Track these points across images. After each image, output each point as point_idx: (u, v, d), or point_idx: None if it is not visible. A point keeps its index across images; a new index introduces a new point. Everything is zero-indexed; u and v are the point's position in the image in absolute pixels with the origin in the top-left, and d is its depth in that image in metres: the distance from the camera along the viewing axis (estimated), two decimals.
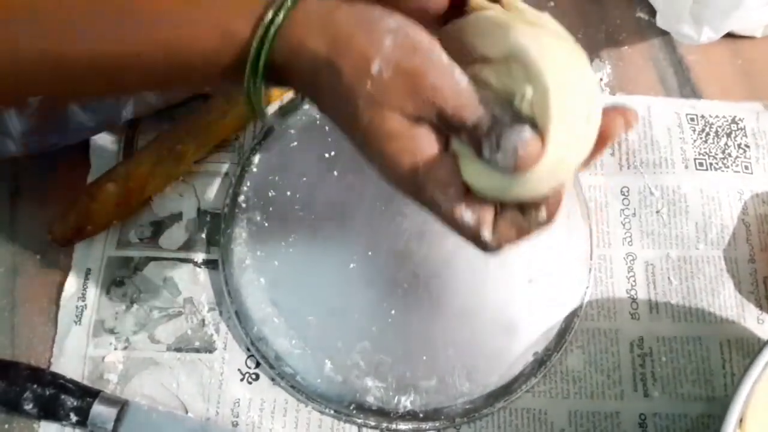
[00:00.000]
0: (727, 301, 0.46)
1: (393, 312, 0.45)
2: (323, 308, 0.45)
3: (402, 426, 0.43)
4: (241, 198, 0.48)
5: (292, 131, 0.50)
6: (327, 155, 0.49)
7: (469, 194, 0.29)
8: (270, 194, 0.48)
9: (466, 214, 0.29)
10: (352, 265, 0.46)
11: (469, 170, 0.29)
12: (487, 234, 0.29)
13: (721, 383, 0.44)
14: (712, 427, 0.43)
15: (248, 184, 0.49)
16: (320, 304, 0.45)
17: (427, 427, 0.43)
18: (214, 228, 0.49)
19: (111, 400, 0.43)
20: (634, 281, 0.47)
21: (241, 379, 0.45)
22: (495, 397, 0.44)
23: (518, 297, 0.45)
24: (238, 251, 0.47)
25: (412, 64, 0.28)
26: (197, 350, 0.45)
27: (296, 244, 0.47)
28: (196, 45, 0.29)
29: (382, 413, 0.43)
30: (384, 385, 0.43)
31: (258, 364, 0.45)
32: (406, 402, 0.43)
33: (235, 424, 0.44)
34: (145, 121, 0.52)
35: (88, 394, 0.43)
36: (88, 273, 0.47)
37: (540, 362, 0.44)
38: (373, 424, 0.43)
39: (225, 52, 0.29)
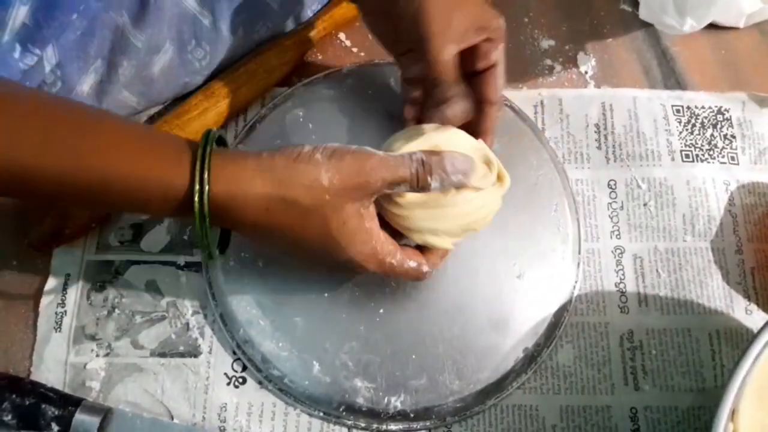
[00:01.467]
0: (716, 293, 0.46)
1: (381, 311, 0.44)
2: (310, 309, 0.44)
3: (393, 426, 0.43)
4: None
5: (276, 128, 0.49)
6: None
7: (405, 249, 0.40)
8: None
9: (409, 263, 0.39)
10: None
11: (405, 218, 0.39)
12: (426, 269, 0.40)
13: (711, 374, 0.44)
14: (703, 419, 0.43)
15: None
16: (306, 304, 0.44)
17: (418, 427, 0.43)
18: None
19: (94, 408, 0.42)
20: (623, 274, 0.47)
21: (228, 383, 0.44)
22: (486, 394, 0.43)
23: (507, 293, 0.45)
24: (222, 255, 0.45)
25: (350, 165, 0.36)
26: (182, 355, 0.44)
27: None
28: (145, 198, 0.35)
29: (373, 414, 0.42)
30: (373, 385, 0.43)
31: (245, 368, 0.44)
32: (396, 402, 0.42)
33: (222, 429, 0.43)
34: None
35: (69, 403, 0.41)
36: (67, 278, 0.46)
37: (530, 358, 0.44)
38: (363, 425, 0.43)
39: (172, 203, 0.35)
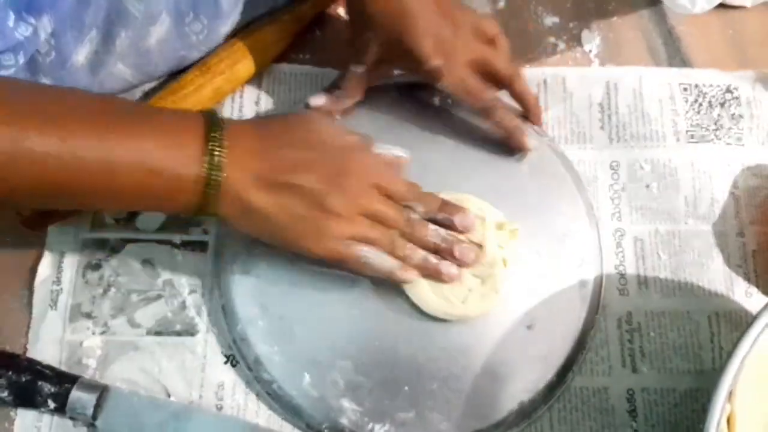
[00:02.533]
0: (716, 275, 0.46)
1: (381, 336, 0.43)
2: (311, 320, 0.43)
3: None
4: None
5: None
6: None
7: None
8: None
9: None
10: (349, 283, 0.43)
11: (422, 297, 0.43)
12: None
13: (709, 357, 0.44)
14: (701, 401, 0.43)
15: None
16: (309, 315, 0.43)
17: None
18: None
19: (90, 386, 0.41)
20: (623, 257, 0.47)
21: (225, 362, 0.44)
22: None
23: (514, 342, 0.43)
24: (233, 245, 0.45)
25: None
26: (179, 333, 0.44)
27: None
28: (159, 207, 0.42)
29: None
30: (360, 408, 0.41)
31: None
32: (380, 430, 0.41)
33: (219, 408, 0.43)
34: (118, 96, 0.49)
35: (66, 380, 0.41)
36: (62, 256, 0.46)
37: (524, 414, 0.42)
38: None
39: (186, 210, 0.39)
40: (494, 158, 0.47)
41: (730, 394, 0.35)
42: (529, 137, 0.46)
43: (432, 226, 0.42)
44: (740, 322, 0.45)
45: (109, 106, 0.40)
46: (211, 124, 0.39)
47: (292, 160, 0.40)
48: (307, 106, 0.46)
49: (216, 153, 0.38)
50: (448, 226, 0.42)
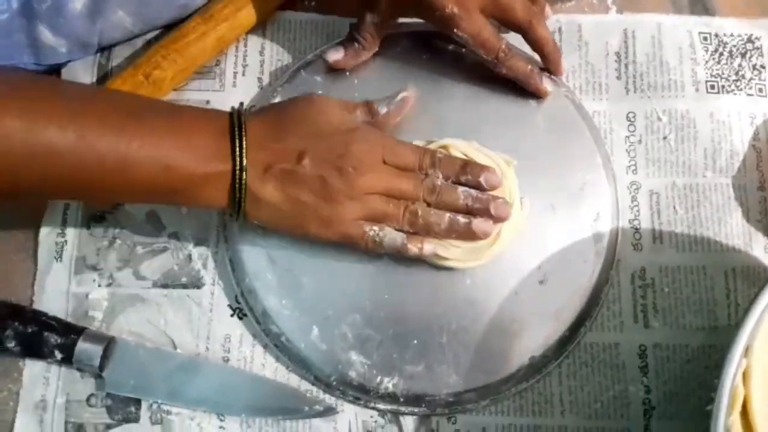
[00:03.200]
0: (734, 230, 0.45)
1: (391, 289, 0.42)
2: (319, 273, 0.42)
3: (380, 405, 0.41)
4: None
5: (318, 78, 0.46)
6: None
7: None
8: None
9: None
10: None
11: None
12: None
13: (724, 313, 0.43)
14: (714, 357, 0.42)
15: None
16: (317, 267, 0.42)
17: (406, 411, 0.41)
18: None
19: (96, 337, 0.41)
20: (638, 211, 0.45)
21: (231, 315, 0.44)
22: (480, 394, 0.41)
23: (526, 296, 0.42)
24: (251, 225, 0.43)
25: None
26: (185, 286, 0.44)
27: None
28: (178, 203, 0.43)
29: (363, 389, 0.41)
30: (369, 362, 0.41)
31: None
32: (388, 383, 0.41)
33: (226, 360, 0.43)
34: (119, 47, 0.48)
35: (72, 332, 0.41)
36: (66, 208, 0.45)
37: (535, 368, 0.42)
38: (351, 398, 0.42)
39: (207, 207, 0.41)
40: (509, 108, 0.45)
41: (747, 349, 0.34)
42: (546, 82, 0.45)
43: (461, 188, 0.41)
44: (759, 278, 0.44)
45: (130, 101, 0.40)
46: (235, 123, 0.39)
47: (295, 149, 0.39)
48: (325, 61, 0.45)
49: (238, 154, 0.38)
50: (473, 185, 0.41)
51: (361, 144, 0.40)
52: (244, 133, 0.39)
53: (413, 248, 0.41)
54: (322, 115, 0.41)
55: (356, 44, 0.45)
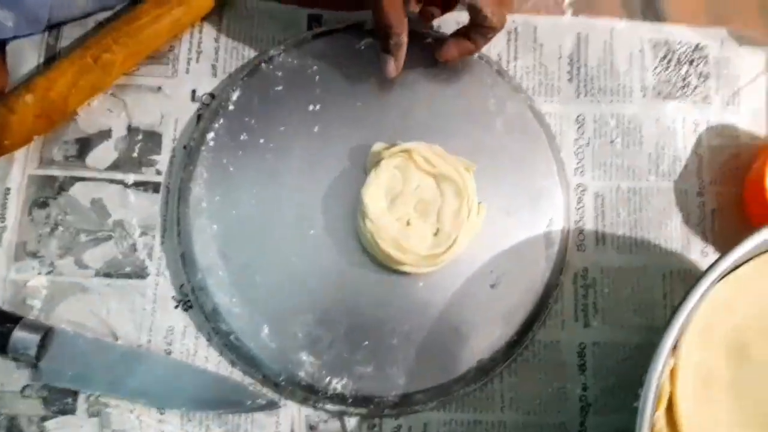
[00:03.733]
0: (674, 233, 0.46)
1: (343, 289, 0.42)
2: (272, 271, 0.42)
3: (328, 406, 0.41)
4: (211, 135, 0.44)
5: (279, 74, 0.46)
6: (312, 108, 0.45)
7: None
8: (242, 137, 0.44)
9: None
10: (312, 231, 0.43)
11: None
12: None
13: (662, 314, 0.45)
14: (650, 356, 0.44)
15: (221, 121, 0.45)
16: (270, 265, 0.42)
17: (354, 412, 0.41)
18: (146, 147, 0.45)
19: (33, 326, 0.40)
20: (583, 212, 0.46)
21: (176, 307, 0.43)
22: (429, 396, 0.42)
23: (477, 300, 0.43)
24: (196, 191, 0.43)
25: None
26: (128, 276, 0.43)
27: (258, 197, 0.43)
28: None
29: (311, 390, 0.41)
30: (318, 362, 0.41)
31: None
32: (337, 384, 0.41)
33: (168, 352, 0.42)
34: (69, 26, 0.47)
35: (8, 320, 0.40)
36: (7, 193, 0.44)
37: (483, 371, 0.42)
38: (299, 398, 0.42)
39: None
40: (470, 111, 0.46)
41: (675, 348, 0.36)
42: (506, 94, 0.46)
43: None
44: (694, 281, 0.45)
45: None
46: None
47: None
48: (387, 75, 0.45)
49: None
50: None
51: None
52: None
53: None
54: None
55: (392, 41, 0.43)
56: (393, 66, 0.44)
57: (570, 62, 0.49)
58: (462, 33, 0.44)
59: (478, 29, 0.43)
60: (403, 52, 0.44)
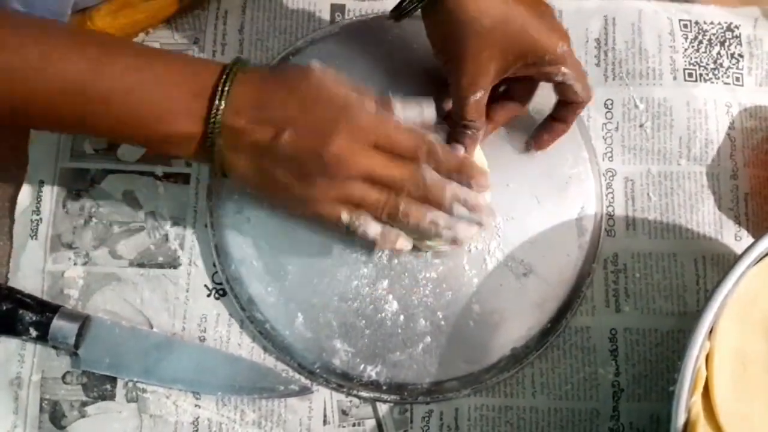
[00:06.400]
0: (706, 218, 0.46)
1: (377, 280, 0.42)
2: (306, 260, 0.42)
3: (363, 393, 0.42)
4: None
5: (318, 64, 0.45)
6: None
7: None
8: None
9: None
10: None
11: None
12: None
13: (693, 299, 0.44)
14: (682, 341, 0.42)
15: None
16: (304, 255, 0.42)
17: (388, 399, 0.42)
18: None
19: (72, 315, 0.41)
20: (612, 198, 0.46)
21: (208, 295, 0.44)
22: (462, 383, 0.42)
23: (509, 289, 0.43)
24: (228, 183, 0.43)
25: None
26: (161, 266, 0.44)
27: None
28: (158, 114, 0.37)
29: (346, 377, 0.42)
30: (353, 350, 0.41)
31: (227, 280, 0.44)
32: (371, 371, 0.41)
33: (202, 339, 0.43)
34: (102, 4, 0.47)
35: (47, 309, 0.41)
36: (41, 185, 0.45)
37: (516, 359, 0.42)
38: (334, 385, 0.42)
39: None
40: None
41: (711, 331, 0.35)
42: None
43: (450, 187, 0.38)
44: (728, 265, 0.44)
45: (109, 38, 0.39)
46: (226, 75, 0.36)
47: (274, 123, 0.36)
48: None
49: (217, 112, 0.36)
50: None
51: (351, 125, 0.36)
52: (225, 94, 0.36)
53: (386, 245, 0.39)
54: (313, 88, 0.37)
55: (469, 132, 0.40)
56: (462, 151, 0.41)
57: (597, 46, 0.48)
58: (549, 116, 0.43)
59: (569, 107, 0.42)
60: (476, 145, 0.41)
